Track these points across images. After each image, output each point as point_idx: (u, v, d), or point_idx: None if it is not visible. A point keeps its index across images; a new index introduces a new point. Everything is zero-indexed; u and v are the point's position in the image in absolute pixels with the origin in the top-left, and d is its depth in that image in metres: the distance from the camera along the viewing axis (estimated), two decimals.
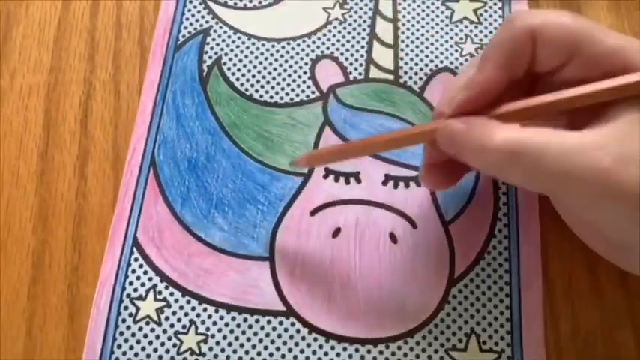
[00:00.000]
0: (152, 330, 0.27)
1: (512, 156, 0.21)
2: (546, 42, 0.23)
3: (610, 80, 0.22)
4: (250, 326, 0.27)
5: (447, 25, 0.34)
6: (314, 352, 0.27)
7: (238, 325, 0.27)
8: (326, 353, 0.27)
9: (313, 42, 0.33)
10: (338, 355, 0.27)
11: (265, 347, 0.27)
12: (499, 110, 0.23)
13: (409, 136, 0.25)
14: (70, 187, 0.30)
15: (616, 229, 0.22)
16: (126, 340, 0.27)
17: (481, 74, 0.23)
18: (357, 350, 0.27)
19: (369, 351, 0.27)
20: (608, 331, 0.28)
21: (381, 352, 0.27)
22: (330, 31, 0.34)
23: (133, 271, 0.28)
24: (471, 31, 0.34)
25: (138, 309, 0.28)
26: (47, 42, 0.33)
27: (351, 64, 0.33)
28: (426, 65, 0.33)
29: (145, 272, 0.28)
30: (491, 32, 0.34)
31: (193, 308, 0.28)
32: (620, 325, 0.28)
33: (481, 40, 0.34)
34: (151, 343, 0.27)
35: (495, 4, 0.34)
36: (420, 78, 0.33)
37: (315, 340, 0.27)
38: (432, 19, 0.34)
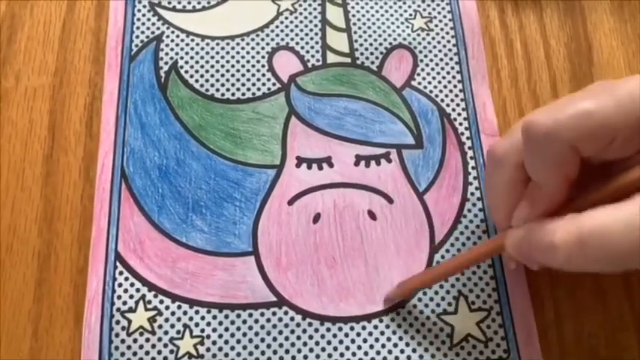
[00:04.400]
0: (147, 340, 0.27)
1: (579, 247, 0.21)
2: (587, 145, 0.22)
3: None
4: (244, 321, 0.28)
5: (395, 3, 0.35)
6: (310, 337, 0.28)
7: (232, 323, 0.28)
8: (322, 336, 0.28)
9: (267, 35, 0.34)
10: (334, 336, 0.28)
11: (262, 339, 0.27)
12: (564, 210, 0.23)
13: (480, 255, 0.26)
14: (76, 189, 0.30)
15: None
16: (122, 354, 0.27)
17: (544, 198, 0.23)
18: (352, 328, 0.28)
19: (363, 327, 0.28)
20: (611, 334, 0.28)
21: (375, 327, 0.28)
22: (282, 22, 0.34)
23: (120, 284, 0.28)
24: (419, 6, 0.35)
25: (130, 321, 0.28)
26: (52, 43, 0.33)
27: (307, 52, 0.33)
28: (380, 44, 0.34)
29: (132, 284, 0.28)
30: (438, 5, 0.35)
31: (185, 313, 0.28)
32: (624, 327, 0.28)
33: (429, 13, 0.34)
34: (147, 353, 0.27)
35: None
36: (377, 57, 0.33)
37: (310, 325, 0.28)
38: None
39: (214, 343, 0.27)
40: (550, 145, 0.22)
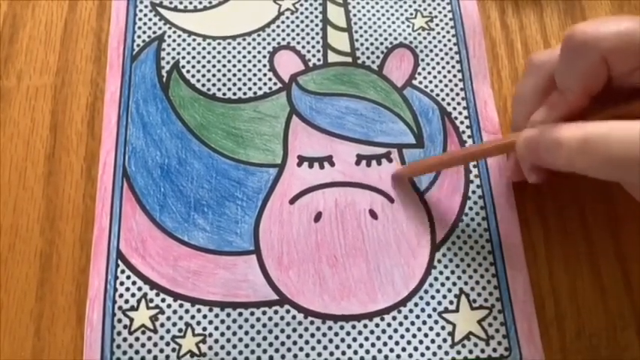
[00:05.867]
0: (149, 338, 0.27)
1: (580, 146, 0.22)
2: (619, 61, 0.24)
3: None
4: (246, 320, 0.28)
5: (395, 3, 0.35)
6: (312, 335, 0.28)
7: (234, 321, 0.28)
8: (324, 334, 0.28)
9: (268, 35, 0.34)
10: (336, 334, 0.28)
11: (264, 338, 0.27)
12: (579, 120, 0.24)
13: (491, 148, 0.27)
14: (78, 188, 0.30)
15: None
16: (124, 353, 0.27)
17: (563, 104, 0.25)
18: (353, 327, 0.28)
19: (365, 325, 0.28)
20: (612, 333, 0.28)
21: (377, 325, 0.28)
22: (283, 22, 0.34)
23: (122, 283, 0.28)
24: (419, 5, 0.35)
25: (132, 320, 0.28)
26: (53, 43, 0.33)
27: (308, 51, 0.33)
28: (381, 44, 0.34)
29: (134, 283, 0.28)
30: (439, 4, 0.35)
31: (187, 311, 0.28)
32: (625, 326, 0.28)
33: (430, 12, 0.35)
34: (149, 351, 0.27)
35: None
36: (377, 57, 0.33)
37: (312, 323, 0.28)
38: None
39: (216, 341, 0.27)
40: (586, 53, 0.24)
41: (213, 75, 0.33)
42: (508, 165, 0.30)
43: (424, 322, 0.28)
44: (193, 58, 0.33)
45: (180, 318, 0.28)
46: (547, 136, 0.24)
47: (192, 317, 0.28)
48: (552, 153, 0.24)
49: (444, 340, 0.28)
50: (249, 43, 0.33)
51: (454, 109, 0.32)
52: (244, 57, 0.33)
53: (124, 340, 0.27)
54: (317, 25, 0.34)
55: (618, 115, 0.24)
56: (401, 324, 0.28)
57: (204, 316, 0.28)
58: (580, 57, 0.24)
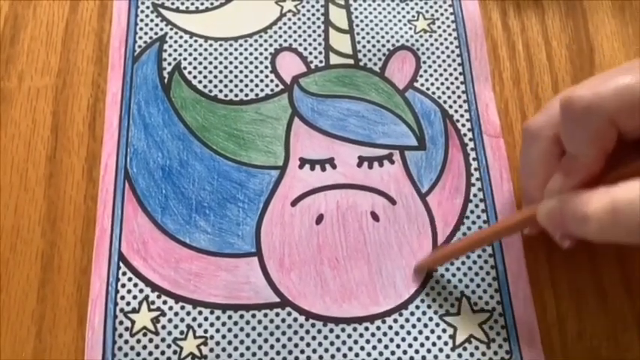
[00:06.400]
0: (150, 341, 0.27)
1: (612, 217, 0.21)
2: (627, 119, 0.22)
3: None
4: (248, 322, 0.28)
5: (397, 5, 0.35)
6: (314, 338, 0.28)
7: (236, 323, 0.28)
8: (325, 337, 0.28)
9: (270, 36, 0.34)
10: (337, 337, 0.28)
11: (265, 340, 0.28)
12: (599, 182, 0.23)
13: (511, 226, 0.26)
14: (79, 189, 0.30)
15: None
16: (125, 355, 0.27)
17: (580, 170, 0.24)
18: (354, 329, 0.28)
19: (366, 328, 0.28)
20: (613, 335, 0.28)
21: (378, 328, 0.28)
22: (285, 23, 0.34)
23: (123, 285, 0.28)
24: (421, 7, 0.35)
25: (133, 322, 0.28)
26: (55, 44, 0.33)
27: (310, 53, 0.33)
28: (383, 46, 0.34)
29: (135, 285, 0.28)
30: (441, 6, 0.35)
31: (189, 313, 0.28)
32: (626, 328, 0.28)
33: (432, 15, 0.34)
34: (151, 354, 0.27)
35: None
36: (379, 59, 0.33)
37: (313, 325, 0.28)
38: (383, 0, 0.35)
39: (218, 343, 0.27)
40: (591, 119, 0.22)
41: (215, 76, 0.33)
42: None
43: (425, 325, 0.28)
44: (195, 59, 0.33)
45: (182, 320, 0.28)
46: (571, 209, 0.22)
47: (194, 319, 0.28)
48: (580, 226, 0.22)
49: (446, 343, 0.28)
50: (251, 45, 0.33)
51: (456, 111, 0.32)
52: (246, 58, 0.33)
53: (126, 342, 0.27)
54: (319, 26, 0.34)
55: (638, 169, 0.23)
56: (402, 327, 0.28)
57: (206, 319, 0.28)
58: (585, 124, 0.23)
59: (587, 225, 0.22)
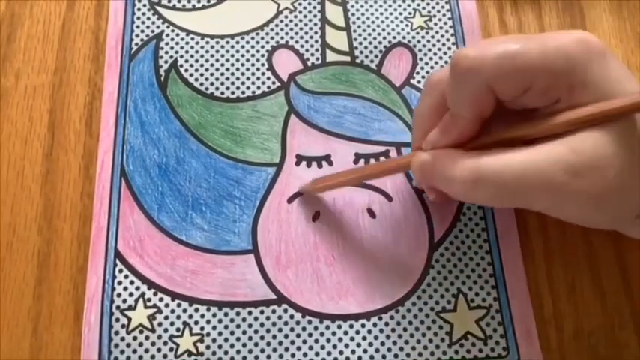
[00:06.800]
0: (147, 338, 0.27)
1: (473, 183, 0.23)
2: (503, 87, 0.23)
3: (569, 113, 0.23)
4: (244, 319, 0.28)
5: (394, 2, 0.35)
6: (310, 335, 0.28)
7: (232, 320, 0.28)
8: (322, 334, 0.28)
9: (267, 34, 0.34)
10: (334, 333, 0.28)
11: (262, 337, 0.27)
12: (472, 144, 0.24)
13: (389, 168, 0.28)
14: (75, 187, 0.30)
15: (586, 222, 0.25)
16: (122, 352, 0.27)
17: (455, 129, 0.24)
18: (351, 326, 0.28)
19: (363, 325, 0.28)
20: (610, 332, 0.28)
21: (375, 325, 0.28)
22: (281, 21, 0.34)
23: (119, 282, 0.28)
24: (418, 4, 0.35)
25: (129, 319, 0.28)
26: (52, 42, 0.33)
27: (307, 50, 0.33)
28: (380, 43, 0.34)
29: (132, 282, 0.28)
30: (438, 3, 0.35)
31: (185, 310, 0.28)
32: (623, 325, 0.28)
33: (429, 12, 0.34)
34: (147, 351, 0.27)
35: None
36: (376, 56, 0.33)
37: (310, 322, 0.28)
38: None
39: (214, 340, 0.27)
40: (470, 80, 0.23)
41: (212, 74, 0.33)
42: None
43: (422, 322, 0.28)
44: (191, 57, 0.33)
45: (178, 317, 0.28)
46: (440, 167, 0.24)
47: (190, 316, 0.28)
48: (447, 185, 0.24)
49: (442, 340, 0.28)
50: (247, 42, 0.33)
51: None
52: (243, 56, 0.33)
53: (122, 339, 0.27)
54: (315, 24, 0.34)
55: (510, 138, 0.23)
56: (399, 323, 0.28)
57: (202, 316, 0.28)
58: (465, 84, 0.23)
59: (452, 185, 0.23)
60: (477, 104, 0.23)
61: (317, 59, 0.33)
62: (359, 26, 0.34)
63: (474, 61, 0.23)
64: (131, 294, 0.28)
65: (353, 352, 0.27)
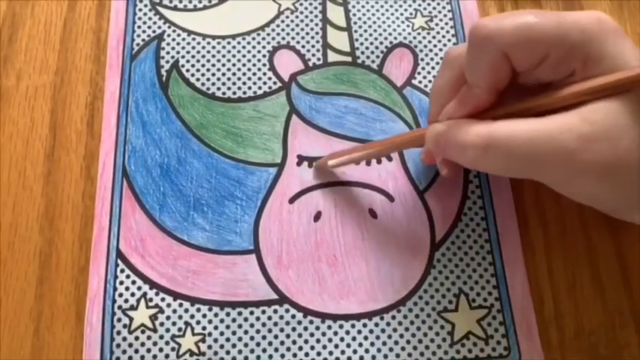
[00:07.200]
0: (149, 338, 0.27)
1: (484, 148, 0.23)
2: (519, 56, 0.23)
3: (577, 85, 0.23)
4: (246, 319, 0.28)
5: (395, 2, 0.35)
6: (312, 335, 0.28)
7: (234, 320, 0.28)
8: (324, 333, 0.28)
9: (268, 34, 0.34)
10: (335, 333, 0.28)
11: (264, 337, 0.28)
12: (486, 115, 0.25)
13: (405, 140, 0.28)
14: (77, 187, 0.30)
15: (594, 200, 0.24)
16: (124, 352, 0.27)
17: (471, 99, 0.25)
18: (353, 326, 0.28)
19: (364, 325, 0.28)
20: (611, 332, 0.28)
21: (376, 325, 0.28)
22: (282, 21, 0.34)
23: (121, 282, 0.28)
24: (419, 5, 0.35)
25: (131, 319, 0.28)
26: (53, 43, 0.33)
27: (308, 50, 0.33)
28: (381, 43, 0.34)
29: (134, 282, 0.28)
30: (439, 4, 0.35)
31: (187, 310, 0.28)
32: (624, 325, 0.28)
33: (430, 12, 0.35)
34: (149, 350, 0.27)
35: None
36: (377, 56, 0.33)
37: (312, 322, 0.28)
38: None
39: (216, 340, 0.27)
40: (486, 48, 0.23)
41: (213, 74, 0.33)
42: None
43: (423, 322, 0.28)
44: (193, 57, 0.33)
45: (180, 317, 0.28)
46: (454, 134, 0.24)
47: (192, 316, 0.28)
48: (458, 152, 0.24)
49: (444, 340, 0.28)
50: (248, 43, 0.33)
51: None
52: (244, 56, 0.33)
53: (124, 339, 0.27)
54: (317, 24, 0.34)
55: (524, 109, 0.24)
56: (400, 323, 0.28)
57: (204, 316, 0.28)
58: (482, 52, 0.24)
59: (464, 153, 0.24)
60: (494, 73, 0.24)
61: (318, 59, 0.33)
62: (360, 26, 0.34)
63: (492, 29, 0.23)
64: (133, 294, 0.28)
65: (355, 352, 0.27)
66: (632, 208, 0.25)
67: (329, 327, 0.28)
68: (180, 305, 0.28)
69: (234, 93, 0.32)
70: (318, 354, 0.27)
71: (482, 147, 0.23)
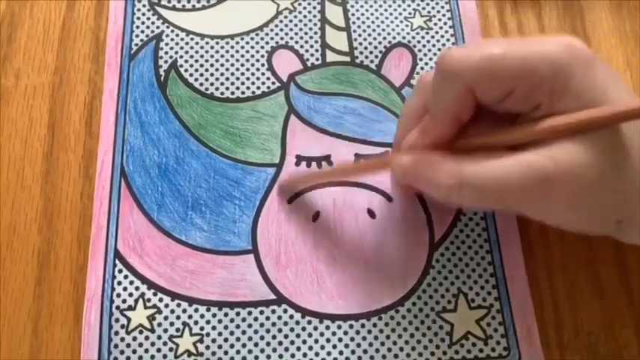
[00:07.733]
0: (147, 338, 0.27)
1: (458, 188, 0.23)
2: (484, 91, 0.23)
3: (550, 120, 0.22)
4: (244, 319, 0.28)
5: (394, 2, 0.35)
6: (310, 335, 0.27)
7: (232, 320, 0.28)
8: (322, 334, 0.28)
9: (267, 34, 0.34)
10: (334, 333, 0.28)
11: (262, 337, 0.27)
12: (454, 146, 0.25)
13: (368, 166, 0.29)
14: (75, 187, 0.30)
15: (575, 227, 0.25)
16: (122, 352, 0.27)
17: (433, 129, 0.24)
18: (351, 326, 0.28)
19: (362, 325, 0.28)
20: (611, 332, 0.28)
21: (375, 325, 0.28)
22: (281, 21, 0.34)
23: (119, 282, 0.28)
24: (418, 4, 0.35)
25: (129, 319, 0.28)
26: (52, 42, 0.33)
27: (306, 50, 0.33)
28: (380, 43, 0.34)
29: (131, 282, 0.28)
30: (438, 3, 0.35)
31: (185, 310, 0.28)
32: (623, 325, 0.28)
33: (429, 12, 0.34)
34: (147, 351, 0.27)
35: None
36: (376, 56, 0.33)
37: (310, 322, 0.28)
38: None
39: (214, 341, 0.27)
40: (452, 81, 0.23)
41: (212, 74, 0.33)
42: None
43: (422, 322, 0.28)
44: (191, 57, 0.33)
45: (178, 317, 0.28)
46: (423, 171, 0.24)
47: (190, 317, 0.28)
48: (430, 188, 0.24)
49: (442, 340, 0.27)
50: (247, 43, 0.33)
51: None
52: (242, 56, 0.33)
53: (122, 339, 0.27)
54: (315, 24, 0.34)
55: (489, 142, 0.24)
56: (399, 323, 0.28)
57: (202, 316, 0.28)
58: (446, 84, 0.23)
59: (436, 189, 0.24)
60: (458, 106, 0.23)
61: (317, 59, 0.33)
62: (359, 26, 0.34)
63: (457, 62, 0.23)
64: (131, 294, 0.28)
65: (353, 352, 0.27)
66: (610, 232, 0.25)
67: (327, 327, 0.28)
68: (178, 305, 0.28)
69: (233, 93, 0.32)
70: (316, 354, 0.27)
71: (457, 187, 0.23)
